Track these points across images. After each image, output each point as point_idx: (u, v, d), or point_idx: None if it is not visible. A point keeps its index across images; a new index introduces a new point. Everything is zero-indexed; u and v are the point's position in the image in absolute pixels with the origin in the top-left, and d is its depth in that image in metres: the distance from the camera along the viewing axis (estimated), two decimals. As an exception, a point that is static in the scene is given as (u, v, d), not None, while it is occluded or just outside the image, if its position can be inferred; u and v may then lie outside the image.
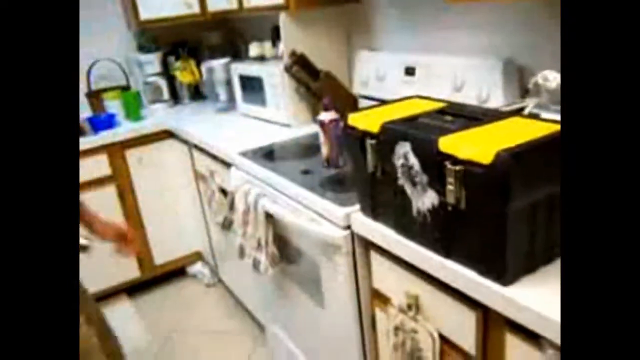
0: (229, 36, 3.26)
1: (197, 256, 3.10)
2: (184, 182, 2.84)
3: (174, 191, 2.90)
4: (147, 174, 2.82)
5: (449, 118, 1.16)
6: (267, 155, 1.98)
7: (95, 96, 2.96)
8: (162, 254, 3.00)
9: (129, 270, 2.90)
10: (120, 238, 1.63)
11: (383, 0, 2.12)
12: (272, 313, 2.17)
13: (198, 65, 3.06)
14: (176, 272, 3.13)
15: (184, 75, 3.07)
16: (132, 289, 3.01)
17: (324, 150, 1.72)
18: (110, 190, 2.76)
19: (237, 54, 3.09)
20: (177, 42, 3.22)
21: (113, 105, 2.93)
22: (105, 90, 3.03)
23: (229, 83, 2.77)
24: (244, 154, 1.99)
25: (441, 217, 1.07)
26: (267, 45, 2.54)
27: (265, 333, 2.31)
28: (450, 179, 1.00)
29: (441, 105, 1.27)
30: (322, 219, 1.49)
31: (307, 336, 1.89)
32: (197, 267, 3.10)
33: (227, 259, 2.63)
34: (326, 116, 1.68)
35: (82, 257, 2.74)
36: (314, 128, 2.13)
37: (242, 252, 1.91)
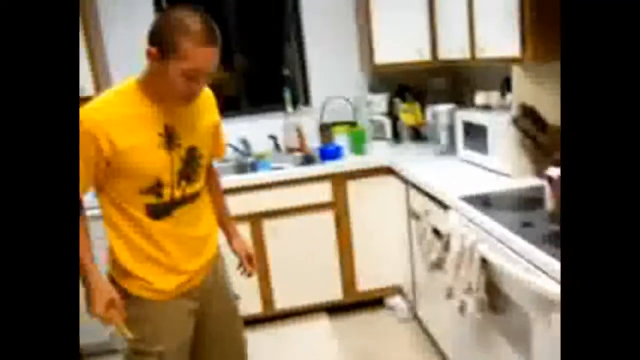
0: (455, 82, 3.36)
1: (397, 290, 3.22)
2: (397, 217, 2.99)
3: (386, 225, 3.07)
4: (363, 205, 3.04)
5: None
6: (486, 202, 2.02)
7: (326, 129, 3.30)
8: (365, 282, 3.17)
9: (333, 291, 3.13)
10: (248, 259, 1.87)
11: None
12: (468, 358, 2.18)
13: (422, 108, 3.22)
14: (374, 301, 3.27)
15: (407, 117, 3.25)
16: (332, 310, 3.23)
17: (550, 205, 1.72)
18: (329, 216, 3.03)
19: (461, 100, 3.18)
20: (403, 84, 3.43)
21: (341, 138, 3.23)
22: (335, 124, 3.34)
23: (451, 128, 2.87)
24: (464, 199, 2.06)
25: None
26: (495, 94, 2.59)
27: (459, 378, 2.32)
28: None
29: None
30: (541, 272, 1.49)
31: (506, 389, 1.87)
32: (396, 300, 3.21)
33: (428, 296, 2.69)
34: (556, 172, 1.68)
35: (292, 272, 3.02)
36: (536, 181, 2.12)
37: (450, 293, 1.98)
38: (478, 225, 1.87)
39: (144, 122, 1.49)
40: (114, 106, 1.48)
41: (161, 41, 1.39)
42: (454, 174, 2.52)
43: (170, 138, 1.51)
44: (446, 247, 2.03)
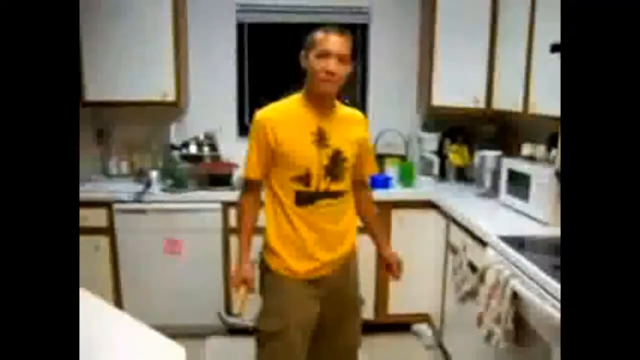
0: (503, 131, 3.57)
1: (425, 318, 3.40)
2: (434, 249, 3.20)
3: (423, 254, 3.27)
4: (404, 234, 3.25)
5: None
6: (522, 244, 2.22)
7: (379, 159, 3.54)
8: (396, 305, 3.38)
9: (366, 309, 3.33)
10: (398, 265, 2.30)
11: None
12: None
13: (470, 150, 3.44)
14: (402, 326, 3.46)
15: (455, 158, 3.48)
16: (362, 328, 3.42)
17: (581, 253, 1.91)
18: (370, 238, 3.25)
19: (508, 147, 3.38)
20: (455, 127, 3.66)
21: (391, 169, 3.47)
22: (387, 156, 3.59)
23: (495, 173, 3.08)
24: (502, 238, 2.27)
25: None
26: (541, 147, 2.79)
27: (477, 404, 2.49)
28: None
29: None
30: (567, 310, 1.69)
31: (521, 416, 2.04)
32: (422, 327, 3.39)
33: (454, 327, 2.88)
34: (590, 224, 1.88)
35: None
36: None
37: (480, 321, 2.18)
38: (513, 263, 2.08)
39: (301, 122, 1.92)
40: (280, 108, 1.97)
41: (305, 44, 1.89)
42: (494, 215, 2.73)
43: (320, 138, 1.90)
44: (481, 279, 2.23)
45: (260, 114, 1.95)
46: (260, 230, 2.05)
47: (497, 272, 2.09)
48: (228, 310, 3.25)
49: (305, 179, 1.91)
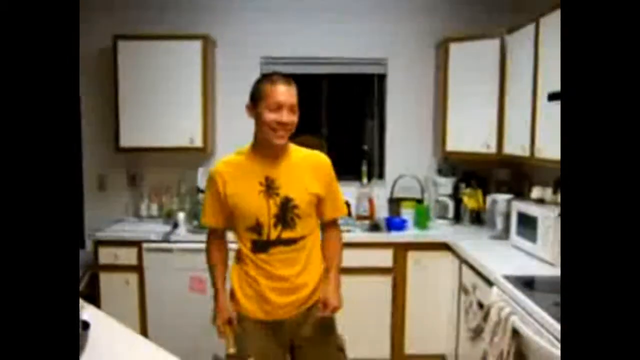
0: (516, 175, 3.68)
1: (441, 358, 3.45)
2: (449, 289, 3.29)
3: (438, 295, 3.36)
4: (420, 275, 3.35)
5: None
6: (526, 283, 2.31)
7: (395, 202, 3.69)
8: (412, 346, 3.43)
9: (381, 349, 3.41)
10: (323, 303, 2.04)
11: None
12: None
13: (484, 194, 3.56)
14: (419, 366, 3.52)
15: (470, 201, 3.59)
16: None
17: (577, 291, 2.00)
18: (387, 280, 3.36)
19: (520, 191, 3.48)
20: (469, 171, 3.78)
21: (407, 212, 3.60)
22: (403, 199, 3.73)
23: (507, 216, 3.18)
24: (506, 277, 2.36)
25: None
26: (548, 190, 2.90)
27: None
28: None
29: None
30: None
31: None
32: (439, 368, 3.44)
33: (469, 366, 2.93)
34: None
35: (347, 325, 3.32)
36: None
37: (484, 358, 2.25)
38: (514, 300, 2.17)
39: (249, 173, 1.96)
40: (232, 161, 2.02)
41: (253, 94, 1.94)
42: (503, 256, 2.82)
43: (269, 187, 1.94)
44: (485, 317, 2.32)
45: (214, 168, 2.02)
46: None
47: (499, 309, 2.18)
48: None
49: (257, 228, 1.94)
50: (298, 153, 2.04)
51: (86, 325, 1.65)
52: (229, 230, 2.11)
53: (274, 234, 1.95)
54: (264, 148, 1.95)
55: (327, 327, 2.10)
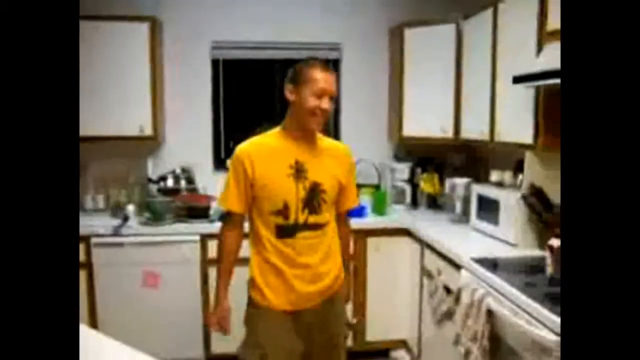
0: (472, 159, 3.72)
1: (402, 344, 3.46)
2: (410, 274, 3.29)
3: (399, 281, 3.36)
4: (380, 261, 3.34)
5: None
6: (494, 265, 2.33)
7: (353, 189, 3.64)
8: (374, 333, 3.42)
9: (344, 338, 3.37)
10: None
11: None
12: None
13: (440, 179, 3.57)
14: (380, 352, 3.50)
15: (427, 186, 3.60)
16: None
17: (550, 270, 2.03)
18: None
19: (477, 175, 3.52)
20: (425, 157, 3.79)
21: (365, 199, 3.56)
22: (361, 185, 3.68)
23: (466, 199, 3.20)
24: (475, 260, 2.37)
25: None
26: (508, 174, 2.94)
27: None
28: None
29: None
30: (539, 323, 1.78)
31: None
32: (400, 353, 3.44)
33: (432, 350, 2.95)
34: (556, 243, 2.00)
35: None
36: (539, 252, 2.43)
37: (457, 340, 2.25)
38: (486, 282, 2.17)
39: (279, 155, 1.94)
40: (259, 142, 1.99)
41: (294, 77, 1.92)
42: (466, 240, 2.84)
43: (298, 170, 1.92)
44: (456, 300, 2.32)
45: (239, 148, 1.97)
46: (244, 262, 2.06)
47: (472, 291, 2.18)
48: (206, 342, 3.26)
49: (283, 212, 1.91)
50: (323, 141, 2.07)
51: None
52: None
53: (301, 218, 1.94)
54: (297, 131, 1.96)
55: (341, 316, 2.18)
